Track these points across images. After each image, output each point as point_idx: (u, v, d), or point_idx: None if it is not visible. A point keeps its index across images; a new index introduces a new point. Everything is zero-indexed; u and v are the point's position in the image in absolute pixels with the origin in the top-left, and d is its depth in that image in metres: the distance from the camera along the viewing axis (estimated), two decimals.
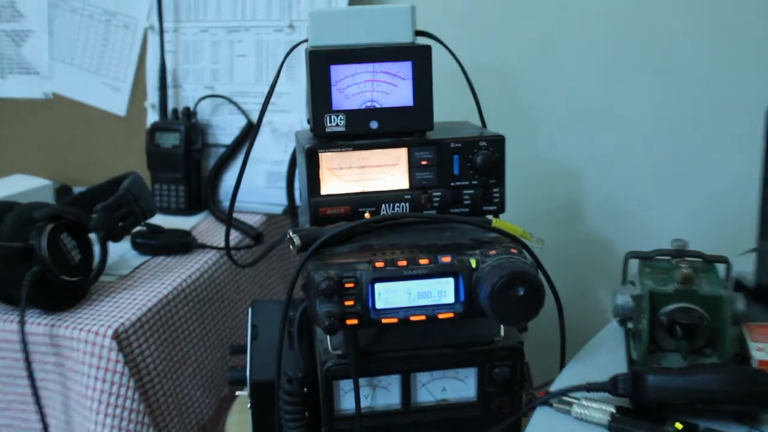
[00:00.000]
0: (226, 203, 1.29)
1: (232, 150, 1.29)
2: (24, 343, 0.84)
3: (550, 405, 0.66)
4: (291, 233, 0.73)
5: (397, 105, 0.81)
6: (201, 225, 1.24)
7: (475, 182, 0.81)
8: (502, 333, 0.74)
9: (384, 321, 0.69)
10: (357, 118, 0.81)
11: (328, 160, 0.79)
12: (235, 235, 1.18)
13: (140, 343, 0.91)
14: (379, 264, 0.69)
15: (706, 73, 1.18)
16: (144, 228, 1.10)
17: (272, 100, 0.88)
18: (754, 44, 1.15)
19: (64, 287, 0.90)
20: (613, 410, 0.64)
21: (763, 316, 0.77)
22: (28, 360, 0.84)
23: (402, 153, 0.80)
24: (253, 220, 1.24)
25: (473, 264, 0.69)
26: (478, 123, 0.93)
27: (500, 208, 0.83)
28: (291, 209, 1.23)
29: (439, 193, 0.81)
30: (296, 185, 1.20)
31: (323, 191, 0.80)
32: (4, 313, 0.92)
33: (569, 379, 0.69)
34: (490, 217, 0.82)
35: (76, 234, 0.93)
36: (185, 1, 1.31)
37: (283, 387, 0.73)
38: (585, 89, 1.24)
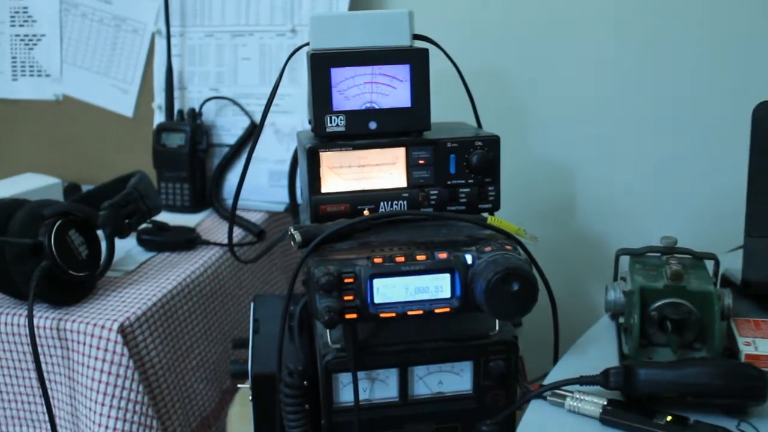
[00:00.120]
0: (229, 201, 1.28)
1: (236, 150, 1.28)
2: (32, 336, 0.83)
3: (544, 398, 0.66)
4: (292, 230, 0.73)
5: (395, 106, 0.81)
6: (205, 222, 1.23)
7: (470, 181, 0.81)
8: (497, 327, 0.74)
9: (382, 315, 0.68)
10: (356, 118, 0.80)
11: (328, 159, 0.79)
12: (238, 232, 1.18)
13: (145, 336, 0.91)
14: (378, 260, 0.68)
15: (696, 74, 1.18)
16: (150, 225, 1.09)
17: (275, 101, 0.88)
18: (745, 45, 1.15)
19: (72, 282, 0.90)
20: (605, 403, 0.63)
21: (751, 312, 0.76)
22: (36, 353, 0.83)
23: (400, 152, 0.80)
24: (256, 218, 1.24)
25: (469, 260, 0.69)
26: (474, 124, 0.93)
27: (495, 206, 0.82)
28: (292, 207, 1.23)
29: (436, 192, 0.81)
30: (298, 184, 1.20)
31: (324, 189, 0.79)
32: (13, 307, 0.91)
33: (562, 373, 0.69)
34: (485, 214, 0.81)
35: (84, 230, 0.92)
36: (191, 6, 1.31)
37: (283, 380, 0.73)
38: (577, 91, 1.24)
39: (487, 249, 0.69)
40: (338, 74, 0.79)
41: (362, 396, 0.73)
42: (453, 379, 0.74)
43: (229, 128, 1.30)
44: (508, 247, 0.70)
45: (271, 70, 1.28)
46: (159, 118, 1.33)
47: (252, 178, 1.24)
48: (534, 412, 0.65)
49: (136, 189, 1.00)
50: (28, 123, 1.44)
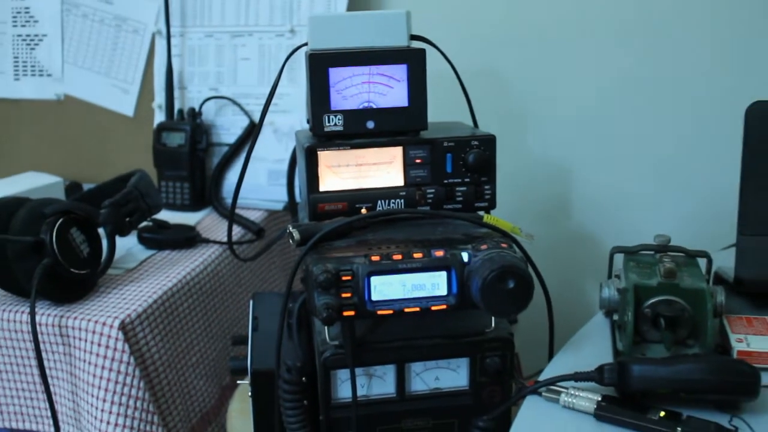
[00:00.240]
0: (229, 200, 1.28)
1: (235, 149, 1.28)
2: (34, 333, 0.83)
3: (539, 394, 0.66)
4: (291, 228, 0.73)
5: (392, 106, 0.80)
6: (205, 220, 1.23)
7: (467, 180, 0.81)
8: (493, 324, 0.74)
9: (379, 312, 0.68)
10: (354, 118, 0.80)
11: (326, 158, 0.79)
12: (237, 230, 1.18)
13: (146, 333, 0.90)
14: (375, 258, 0.68)
15: (690, 75, 1.18)
16: (150, 223, 1.09)
17: (273, 101, 0.88)
18: (739, 47, 1.15)
19: (73, 280, 0.89)
20: (600, 399, 0.63)
21: (743, 309, 0.77)
22: (38, 349, 0.83)
23: (397, 151, 0.80)
24: (255, 216, 1.23)
25: (465, 258, 0.69)
26: (470, 123, 0.92)
27: (491, 205, 0.82)
28: (291, 205, 1.22)
29: (432, 190, 0.80)
30: (296, 182, 1.20)
31: (322, 188, 0.79)
32: (15, 305, 0.91)
33: (557, 369, 0.69)
34: (481, 213, 0.81)
35: (85, 229, 0.92)
36: (191, 7, 1.31)
37: (282, 376, 0.73)
38: (573, 91, 1.24)
39: (483, 247, 0.69)
40: (336, 74, 0.79)
41: (360, 392, 0.72)
42: (450, 376, 0.74)
43: (228, 128, 1.30)
44: (503, 245, 0.70)
45: (270, 70, 1.28)
46: (159, 117, 1.33)
47: (251, 176, 1.24)
48: (529, 407, 0.65)
49: (136, 188, 1.00)
50: (30, 122, 1.44)
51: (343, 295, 0.67)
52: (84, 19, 1.38)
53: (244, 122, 1.28)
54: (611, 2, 1.19)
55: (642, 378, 0.62)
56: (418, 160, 0.80)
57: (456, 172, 0.80)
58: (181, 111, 1.29)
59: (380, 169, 0.80)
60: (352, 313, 0.68)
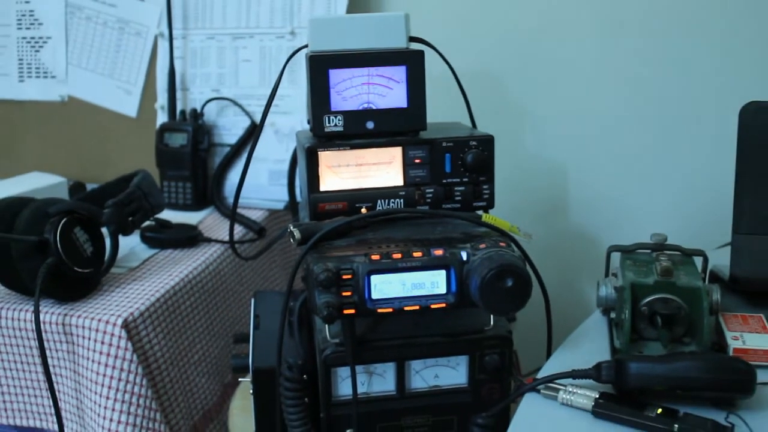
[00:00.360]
0: (230, 199, 1.28)
1: (237, 149, 1.28)
2: (38, 331, 0.83)
3: (538, 391, 0.66)
4: (292, 227, 0.73)
5: (392, 106, 0.80)
6: (207, 220, 1.23)
7: (465, 179, 0.81)
8: (492, 322, 0.74)
9: (379, 311, 0.68)
10: (354, 118, 0.80)
11: (327, 158, 0.78)
12: (239, 230, 1.18)
13: (148, 332, 0.90)
14: (375, 257, 0.68)
15: (685, 74, 1.18)
16: (153, 222, 1.09)
17: (274, 102, 0.88)
18: (732, 45, 1.15)
19: (77, 278, 0.89)
20: (597, 396, 0.63)
21: (738, 307, 0.76)
22: (42, 348, 0.83)
23: (397, 152, 0.80)
24: (256, 216, 1.23)
25: (464, 257, 0.69)
26: (469, 123, 0.92)
27: (490, 204, 0.82)
28: (292, 205, 1.22)
29: (431, 190, 0.80)
30: (297, 182, 1.20)
31: (322, 188, 0.79)
32: (19, 303, 0.91)
33: (555, 367, 0.68)
34: (480, 212, 0.81)
35: (89, 228, 0.92)
36: (193, 9, 1.30)
37: (283, 374, 0.72)
38: (570, 92, 1.24)
39: (482, 246, 0.69)
40: (336, 75, 0.79)
41: (360, 389, 0.72)
42: (449, 373, 0.74)
43: (229, 128, 1.29)
44: (502, 244, 0.70)
45: (270, 71, 1.27)
46: (162, 118, 1.33)
47: (252, 177, 1.24)
48: (528, 405, 0.65)
49: (139, 187, 0.99)
50: (35, 123, 1.44)
51: (344, 293, 0.67)
52: (88, 21, 1.37)
53: (246, 123, 1.28)
54: (609, 3, 1.19)
55: (639, 375, 0.62)
56: (417, 160, 0.80)
57: (455, 172, 0.80)
58: (183, 112, 1.29)
59: (380, 169, 0.80)
60: (352, 311, 0.67)
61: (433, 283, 0.69)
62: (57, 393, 0.89)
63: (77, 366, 0.89)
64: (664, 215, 1.24)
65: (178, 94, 1.30)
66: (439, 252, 0.69)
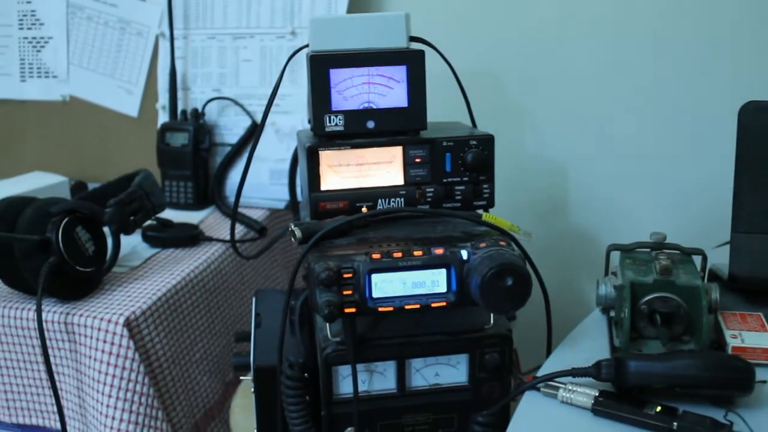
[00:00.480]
0: (231, 199, 1.28)
1: (238, 149, 1.28)
2: (40, 330, 0.83)
3: (538, 389, 0.66)
4: (293, 226, 0.73)
5: (392, 106, 0.80)
6: (208, 219, 1.23)
7: (466, 179, 0.81)
8: (492, 321, 0.74)
9: (380, 309, 0.68)
10: (355, 118, 0.80)
11: (327, 157, 0.78)
12: (240, 229, 1.18)
13: (150, 330, 0.90)
14: (376, 255, 0.68)
15: (685, 74, 1.18)
16: (154, 222, 1.09)
17: (275, 101, 0.88)
18: (729, 46, 1.15)
19: (79, 277, 0.89)
20: (597, 394, 0.63)
21: (737, 305, 0.76)
22: (45, 346, 0.83)
23: (397, 151, 0.80)
24: (257, 215, 1.23)
25: (464, 256, 0.69)
26: (469, 123, 0.92)
27: (490, 203, 0.82)
28: (293, 204, 1.22)
29: (432, 189, 0.80)
30: (298, 182, 1.20)
31: (323, 187, 0.79)
32: (22, 302, 0.91)
33: (555, 365, 0.68)
34: (480, 211, 0.81)
35: (91, 227, 0.92)
36: (194, 9, 1.30)
37: (285, 372, 0.72)
38: (570, 91, 1.24)
39: (482, 245, 0.69)
40: (337, 75, 0.79)
41: (361, 388, 0.72)
42: (449, 371, 0.74)
43: (231, 128, 1.29)
44: (502, 243, 0.70)
45: (271, 71, 1.27)
46: (163, 118, 1.33)
47: (253, 176, 1.24)
48: (528, 403, 0.65)
49: (140, 187, 1.00)
50: (36, 123, 1.44)
51: (345, 292, 0.67)
52: (89, 21, 1.37)
53: (246, 122, 1.28)
54: (609, 3, 1.19)
55: (638, 374, 0.62)
56: (417, 160, 0.80)
57: (455, 171, 0.80)
58: (184, 112, 1.28)
59: (380, 168, 0.80)
60: (353, 310, 0.67)
61: (434, 281, 0.69)
62: (59, 391, 0.89)
63: (79, 364, 0.89)
64: (663, 214, 1.24)
65: (179, 94, 1.30)
66: (439, 251, 0.69)
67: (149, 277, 0.98)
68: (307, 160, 0.78)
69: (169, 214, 1.13)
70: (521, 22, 1.23)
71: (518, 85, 1.26)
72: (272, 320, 0.83)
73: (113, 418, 0.86)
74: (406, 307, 0.68)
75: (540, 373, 0.68)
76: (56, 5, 1.39)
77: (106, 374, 0.86)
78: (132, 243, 1.09)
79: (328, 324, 0.71)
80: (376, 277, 0.68)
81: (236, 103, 1.28)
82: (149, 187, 1.01)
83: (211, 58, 1.30)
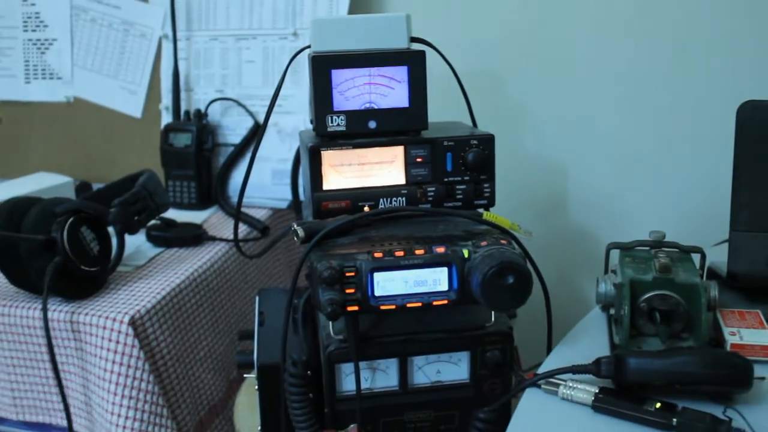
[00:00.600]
0: (234, 198, 1.28)
1: (240, 149, 1.28)
2: (46, 329, 0.83)
3: (539, 386, 0.66)
4: (295, 226, 0.73)
5: (393, 106, 0.80)
6: (211, 219, 1.23)
7: (466, 178, 0.81)
8: (493, 319, 0.74)
9: (382, 307, 0.68)
10: (356, 118, 0.80)
11: (329, 157, 0.78)
12: (243, 228, 1.18)
13: (155, 329, 0.90)
14: (378, 254, 0.68)
15: (684, 73, 1.18)
16: (158, 221, 1.09)
17: (277, 102, 0.88)
18: (727, 45, 1.15)
19: (84, 277, 0.89)
20: (597, 391, 0.63)
21: (736, 303, 0.76)
22: (50, 345, 0.83)
23: (399, 151, 0.80)
24: (260, 214, 1.23)
25: (466, 254, 0.69)
26: (470, 123, 0.92)
27: (490, 202, 0.82)
28: (295, 204, 1.22)
29: (433, 189, 0.80)
30: (300, 181, 1.20)
31: (325, 187, 0.79)
32: (28, 301, 0.91)
33: (556, 362, 0.68)
34: (481, 210, 0.81)
35: (95, 227, 0.92)
36: (197, 11, 1.30)
37: (288, 370, 0.73)
38: (569, 91, 1.24)
39: (483, 243, 0.69)
40: (338, 76, 0.79)
41: (364, 385, 0.72)
42: (451, 369, 0.74)
43: (233, 128, 1.30)
44: (503, 241, 0.70)
45: (273, 72, 1.27)
46: (166, 118, 1.33)
47: (256, 176, 1.24)
48: (529, 399, 0.65)
49: (144, 187, 1.00)
50: (41, 124, 1.44)
51: (347, 290, 0.67)
52: (93, 23, 1.38)
53: (249, 123, 1.28)
54: (609, 3, 1.19)
55: (638, 370, 0.62)
56: (419, 159, 0.80)
57: (456, 170, 0.80)
58: (187, 112, 1.29)
59: (382, 168, 0.80)
60: (355, 308, 0.68)
61: (435, 280, 0.69)
62: (65, 389, 0.89)
63: (85, 363, 0.89)
64: (662, 213, 1.24)
65: (183, 95, 1.30)
66: (440, 249, 0.69)
67: (153, 276, 0.98)
68: (309, 160, 0.78)
69: (172, 214, 1.13)
70: (521, 23, 1.23)
71: (518, 85, 1.26)
72: (275, 319, 0.83)
73: (119, 415, 0.86)
74: (408, 305, 0.68)
75: (541, 370, 0.68)
76: (60, 7, 1.39)
77: (112, 372, 0.86)
78: (136, 242, 1.09)
79: (330, 322, 0.71)
80: (378, 276, 0.68)
81: (239, 103, 1.28)
82: (153, 187, 1.01)
83: (213, 60, 1.30)
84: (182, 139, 1.26)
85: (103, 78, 1.38)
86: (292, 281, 0.73)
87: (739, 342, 0.68)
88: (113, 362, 0.86)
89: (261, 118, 1.27)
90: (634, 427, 0.60)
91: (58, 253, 0.85)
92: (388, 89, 0.80)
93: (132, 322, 0.87)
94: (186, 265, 1.02)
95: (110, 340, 0.86)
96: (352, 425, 0.72)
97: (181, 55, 1.31)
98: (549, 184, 1.29)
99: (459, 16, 1.26)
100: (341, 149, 0.78)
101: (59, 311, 0.89)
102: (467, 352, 0.73)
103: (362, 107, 0.80)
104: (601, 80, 1.22)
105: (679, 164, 1.22)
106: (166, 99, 1.33)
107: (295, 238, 0.72)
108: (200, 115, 1.27)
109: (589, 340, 0.74)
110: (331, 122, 0.80)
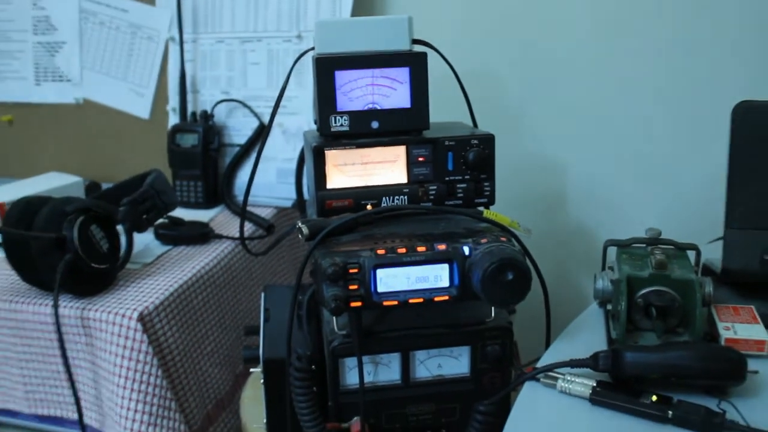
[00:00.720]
0: (240, 197, 1.28)
1: (246, 149, 1.28)
2: (57, 325, 0.84)
3: (537, 380, 0.66)
4: (300, 224, 0.73)
5: (396, 107, 0.80)
6: (218, 217, 1.23)
7: (467, 177, 0.81)
8: (493, 314, 0.74)
9: (385, 303, 0.68)
10: (360, 118, 0.80)
11: (333, 157, 0.79)
12: (248, 227, 1.18)
13: (163, 325, 0.91)
14: (381, 251, 0.68)
15: (679, 73, 1.18)
16: (166, 220, 1.10)
17: (282, 103, 0.88)
18: (726, 45, 1.15)
19: (94, 274, 0.90)
20: (595, 384, 0.63)
21: (730, 298, 0.76)
22: (61, 340, 0.84)
23: (401, 150, 0.80)
24: (265, 213, 1.24)
25: (466, 251, 0.69)
26: (470, 123, 0.92)
27: (491, 201, 0.82)
28: (299, 202, 1.22)
29: (434, 187, 0.80)
30: (304, 181, 1.19)
31: (329, 185, 0.79)
32: (39, 298, 0.91)
33: (554, 357, 0.69)
34: (481, 208, 0.81)
35: (105, 225, 0.92)
36: (203, 14, 1.31)
37: (293, 364, 0.73)
38: (567, 91, 1.24)
39: (484, 241, 0.69)
40: (342, 77, 0.79)
41: (367, 379, 0.73)
42: (452, 363, 0.74)
43: (239, 129, 1.30)
44: (503, 239, 0.70)
45: (278, 73, 1.28)
46: (173, 119, 1.33)
47: (261, 175, 1.24)
48: (528, 393, 0.65)
49: (152, 186, 1.00)
50: (51, 125, 1.44)
51: (351, 287, 0.67)
52: (101, 26, 1.38)
53: (254, 124, 1.28)
54: (608, 3, 1.19)
55: (635, 364, 0.62)
56: (420, 159, 0.80)
57: (457, 169, 0.80)
58: (194, 113, 1.29)
59: (385, 167, 0.80)
60: (359, 304, 0.68)
61: (437, 276, 0.69)
62: (76, 384, 0.90)
63: (95, 358, 0.89)
64: (658, 211, 1.24)
65: (189, 97, 1.31)
66: (442, 247, 0.69)
67: (161, 273, 0.99)
68: (313, 159, 0.78)
69: (180, 213, 1.14)
70: (521, 24, 1.23)
71: (518, 86, 1.26)
72: (281, 314, 0.83)
73: (128, 409, 0.86)
74: (410, 301, 0.68)
75: (539, 364, 0.68)
76: (69, 11, 1.39)
77: (121, 367, 0.87)
78: (144, 241, 1.09)
79: (334, 318, 0.71)
80: (381, 272, 0.68)
81: (244, 104, 1.29)
82: (161, 187, 1.01)
83: (219, 62, 1.31)
84: (189, 140, 1.26)
85: (112, 80, 1.39)
86: (296, 278, 0.73)
87: (733, 337, 0.68)
88: (122, 357, 0.87)
89: (266, 119, 1.28)
90: (630, 419, 0.60)
91: (68, 250, 0.86)
92: (390, 90, 0.80)
93: (141, 318, 0.87)
94: (193, 263, 1.02)
95: (119, 336, 0.87)
96: (355, 418, 0.73)
97: (187, 57, 1.31)
98: (548, 183, 1.29)
99: (460, 18, 1.26)
100: (344, 149, 0.79)
101: (70, 308, 0.89)
102: (468, 346, 0.74)
103: (365, 108, 0.80)
104: (600, 80, 1.22)
105: (675, 163, 1.22)
106: (173, 100, 1.33)
107: (300, 236, 0.73)
108: (206, 116, 1.28)
109: (586, 335, 0.75)
110: (335, 122, 0.80)
